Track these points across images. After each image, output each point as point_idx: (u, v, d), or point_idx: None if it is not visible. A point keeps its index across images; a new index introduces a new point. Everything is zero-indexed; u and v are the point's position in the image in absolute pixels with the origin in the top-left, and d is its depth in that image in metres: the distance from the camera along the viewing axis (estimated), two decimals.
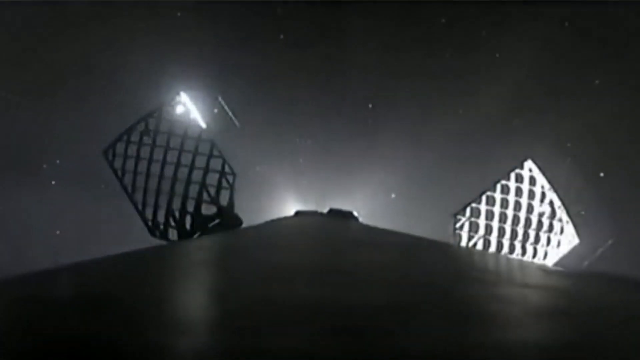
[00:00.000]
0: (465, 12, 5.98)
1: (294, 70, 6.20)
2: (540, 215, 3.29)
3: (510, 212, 3.26)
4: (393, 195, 6.39)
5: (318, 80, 6.25)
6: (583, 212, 5.30)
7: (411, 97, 6.13)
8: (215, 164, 3.01)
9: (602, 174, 5.56)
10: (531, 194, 3.30)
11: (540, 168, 3.32)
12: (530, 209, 3.29)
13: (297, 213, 2.82)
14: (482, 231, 3.22)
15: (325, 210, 2.74)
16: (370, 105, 6.24)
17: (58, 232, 5.99)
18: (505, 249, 3.22)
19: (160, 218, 2.99)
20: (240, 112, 6.13)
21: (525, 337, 0.54)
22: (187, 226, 2.94)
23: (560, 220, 3.30)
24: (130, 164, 3.07)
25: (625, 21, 5.62)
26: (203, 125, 3.15)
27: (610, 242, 5.64)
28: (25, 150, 6.00)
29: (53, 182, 6.06)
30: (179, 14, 5.88)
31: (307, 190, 6.46)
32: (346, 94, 6.27)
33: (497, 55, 6.04)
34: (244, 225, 2.95)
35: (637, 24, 5.58)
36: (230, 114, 6.01)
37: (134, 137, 3.10)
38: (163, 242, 2.94)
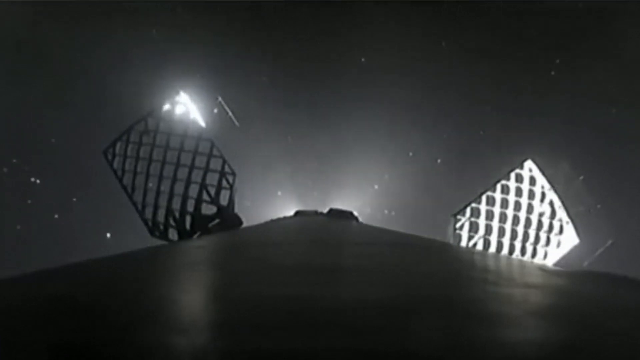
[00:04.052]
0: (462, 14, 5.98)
1: (295, 69, 6.21)
2: (540, 215, 3.29)
3: (510, 212, 3.26)
4: (394, 195, 6.39)
5: (319, 79, 6.25)
6: (599, 206, 5.31)
7: (411, 98, 6.13)
8: (215, 164, 3.01)
9: (582, 178, 5.56)
10: (531, 194, 3.30)
11: (540, 168, 3.32)
12: (530, 209, 3.29)
13: (297, 213, 2.82)
14: (482, 231, 3.21)
15: (325, 210, 2.74)
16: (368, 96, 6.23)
17: (57, 231, 5.98)
18: (505, 249, 3.22)
19: (160, 218, 2.99)
20: (240, 112, 6.14)
21: (525, 336, 0.54)
22: (187, 226, 2.94)
23: (560, 220, 3.30)
24: (130, 164, 3.07)
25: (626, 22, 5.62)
26: (203, 125, 3.15)
27: (610, 242, 5.64)
28: (25, 150, 6.00)
29: (52, 182, 6.06)
30: (178, 13, 5.87)
31: (307, 190, 6.46)
32: (348, 93, 6.27)
33: (497, 55, 6.04)
34: (244, 225, 2.95)
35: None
36: (230, 114, 6.01)
37: (134, 137, 3.10)
38: (163, 242, 2.94)
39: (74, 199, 6.00)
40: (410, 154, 6.27)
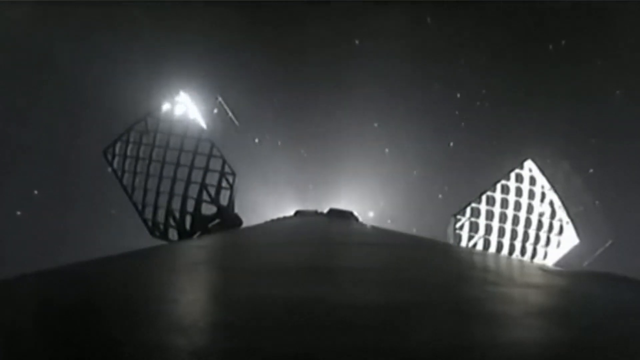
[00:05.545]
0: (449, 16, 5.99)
1: (296, 69, 6.21)
2: (540, 215, 3.29)
3: (510, 212, 3.26)
4: (394, 195, 6.39)
5: (320, 78, 6.25)
6: (598, 202, 5.32)
7: (411, 97, 6.13)
8: (215, 164, 3.01)
9: (591, 170, 5.57)
10: (531, 194, 3.30)
11: (540, 168, 3.32)
12: (530, 209, 3.28)
13: (297, 213, 2.82)
14: (482, 231, 3.21)
15: (325, 210, 2.74)
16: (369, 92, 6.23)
17: (57, 232, 5.98)
18: (505, 249, 3.22)
19: (160, 218, 2.99)
20: (240, 112, 6.14)
21: (526, 336, 0.54)
22: (187, 226, 2.94)
23: (560, 220, 3.30)
24: (130, 164, 3.07)
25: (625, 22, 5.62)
26: (203, 125, 3.15)
27: (610, 242, 5.64)
28: (25, 150, 6.00)
29: (51, 182, 6.06)
30: (179, 12, 5.88)
31: (307, 190, 6.46)
32: (349, 93, 6.27)
33: (497, 54, 6.04)
34: (244, 225, 2.95)
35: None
36: (230, 114, 6.01)
37: (134, 137, 3.10)
38: (163, 242, 2.94)
39: (73, 199, 5.99)
40: (411, 153, 6.27)
